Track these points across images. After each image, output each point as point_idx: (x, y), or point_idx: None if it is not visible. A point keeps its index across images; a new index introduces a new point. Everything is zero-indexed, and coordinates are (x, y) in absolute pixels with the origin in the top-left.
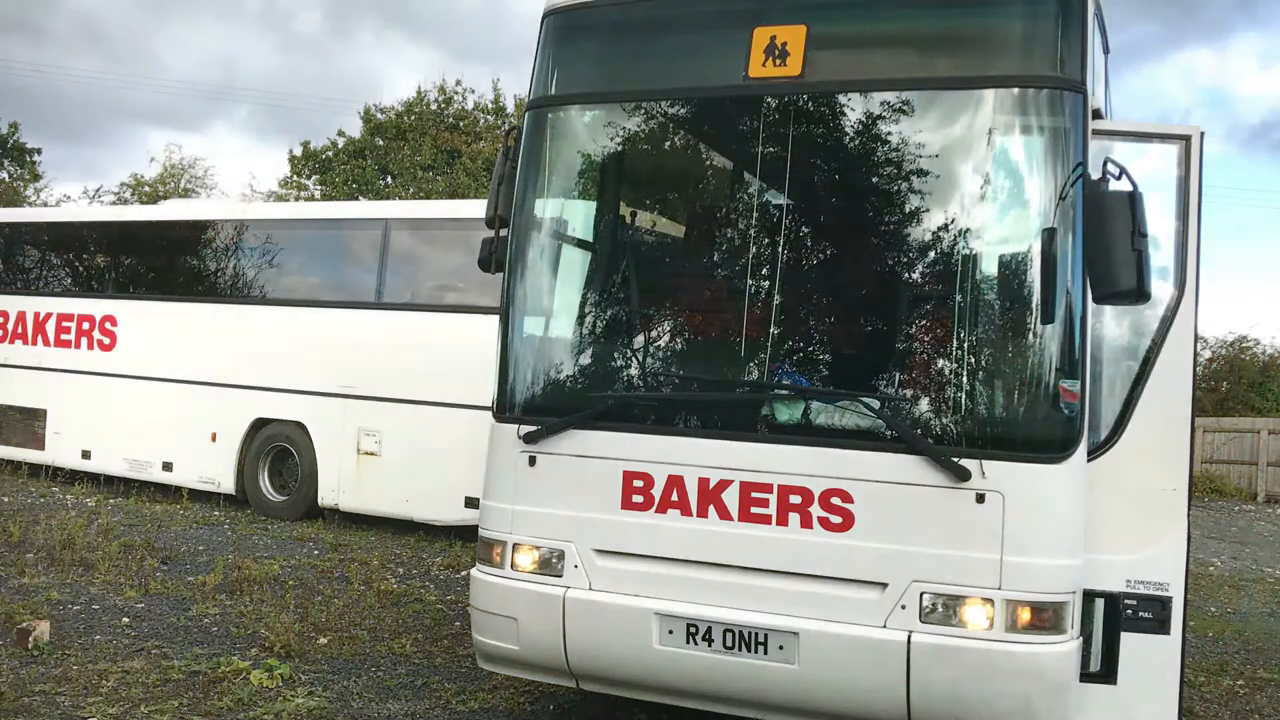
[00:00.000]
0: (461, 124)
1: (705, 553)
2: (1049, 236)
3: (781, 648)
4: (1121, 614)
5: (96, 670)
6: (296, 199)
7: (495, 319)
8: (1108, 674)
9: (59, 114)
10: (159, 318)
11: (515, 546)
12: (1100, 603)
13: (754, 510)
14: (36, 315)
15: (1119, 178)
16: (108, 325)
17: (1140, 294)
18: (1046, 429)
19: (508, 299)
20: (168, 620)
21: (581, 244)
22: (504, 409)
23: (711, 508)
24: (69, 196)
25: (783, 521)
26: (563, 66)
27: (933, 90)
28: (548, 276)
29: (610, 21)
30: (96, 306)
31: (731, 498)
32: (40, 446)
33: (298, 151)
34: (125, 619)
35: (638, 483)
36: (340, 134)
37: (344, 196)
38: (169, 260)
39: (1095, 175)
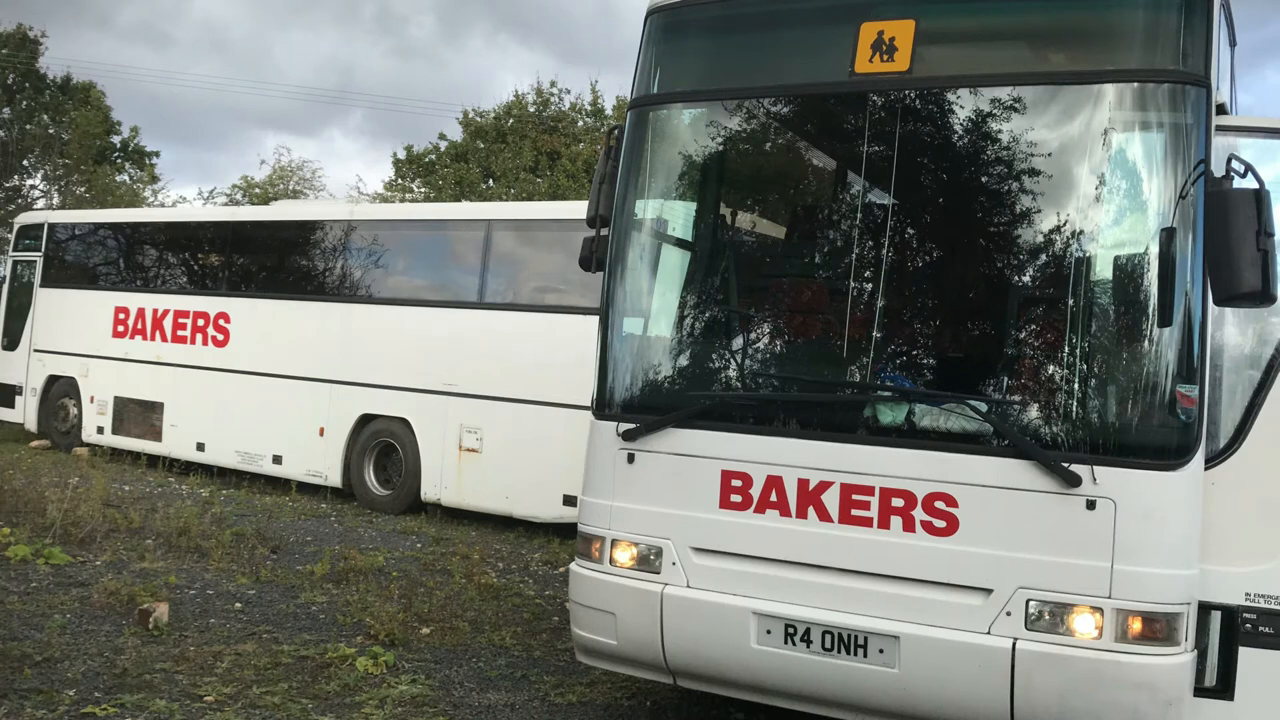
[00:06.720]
0: (559, 126)
1: (804, 554)
2: (1167, 236)
3: (882, 651)
4: (1240, 628)
5: (211, 651)
6: (400, 201)
7: (594, 320)
8: (1224, 689)
9: (181, 118)
10: (270, 315)
11: (614, 542)
12: (1217, 615)
13: (854, 512)
14: (155, 312)
15: (1244, 175)
16: (221, 322)
17: (1266, 296)
18: (1162, 436)
19: (608, 298)
20: (277, 607)
21: (681, 243)
22: (603, 407)
23: (811, 509)
24: (184, 198)
25: (884, 524)
26: (665, 65)
27: (1046, 85)
28: (648, 276)
29: (713, 19)
30: (211, 304)
31: (832, 499)
32: (158, 438)
33: (402, 155)
34: (238, 604)
35: (736, 482)
36: (441, 137)
37: (448, 199)
38: (279, 259)
39: (1219, 173)
